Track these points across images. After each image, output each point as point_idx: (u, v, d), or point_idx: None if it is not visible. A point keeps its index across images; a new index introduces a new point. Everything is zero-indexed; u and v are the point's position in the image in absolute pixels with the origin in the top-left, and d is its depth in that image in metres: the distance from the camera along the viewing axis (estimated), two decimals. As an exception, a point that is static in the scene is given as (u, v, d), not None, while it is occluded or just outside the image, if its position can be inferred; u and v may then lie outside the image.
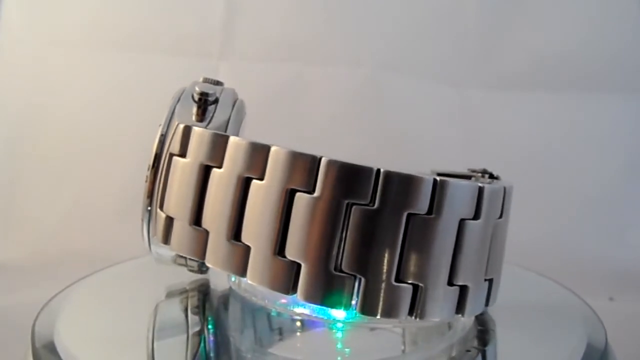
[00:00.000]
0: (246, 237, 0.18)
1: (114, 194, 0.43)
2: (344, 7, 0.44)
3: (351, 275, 0.17)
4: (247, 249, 0.18)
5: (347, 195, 0.17)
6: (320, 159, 0.17)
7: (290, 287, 0.17)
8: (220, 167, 0.18)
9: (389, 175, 0.17)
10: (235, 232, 0.18)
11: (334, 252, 0.17)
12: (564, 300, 0.25)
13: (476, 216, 0.18)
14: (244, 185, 0.18)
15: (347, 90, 0.44)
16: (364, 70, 0.44)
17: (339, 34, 0.44)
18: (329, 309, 0.18)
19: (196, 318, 0.23)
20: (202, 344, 0.22)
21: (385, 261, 0.17)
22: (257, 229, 0.18)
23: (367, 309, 0.17)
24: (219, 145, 0.18)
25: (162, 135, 0.21)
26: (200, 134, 0.19)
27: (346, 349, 0.22)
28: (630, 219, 0.45)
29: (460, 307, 0.18)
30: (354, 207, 0.16)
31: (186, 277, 0.25)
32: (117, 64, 0.43)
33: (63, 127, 0.44)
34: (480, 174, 0.24)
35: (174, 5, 0.43)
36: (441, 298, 0.18)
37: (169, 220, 0.20)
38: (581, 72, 0.46)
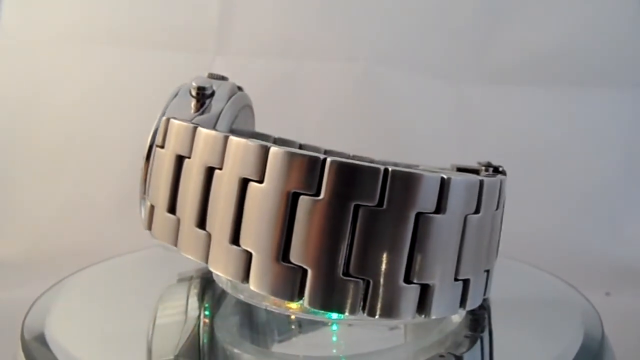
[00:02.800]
0: (209, 225, 0.18)
1: (109, 190, 0.44)
2: (339, 2, 0.43)
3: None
4: (209, 236, 0.18)
5: (292, 184, 0.16)
6: (269, 148, 0.17)
7: (244, 276, 0.17)
8: (189, 157, 0.19)
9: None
10: (201, 220, 0.19)
11: (284, 241, 0.17)
12: (560, 293, 0.25)
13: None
14: (208, 175, 0.18)
15: (343, 85, 0.43)
16: (360, 65, 0.44)
17: (335, 28, 0.44)
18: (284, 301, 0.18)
19: (195, 304, 0.25)
20: (196, 330, 0.23)
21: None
22: (216, 217, 0.18)
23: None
24: (188, 136, 0.19)
25: (156, 128, 0.23)
26: (174, 126, 0.20)
27: (341, 342, 0.22)
28: (627, 214, 0.44)
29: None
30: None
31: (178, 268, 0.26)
32: (112, 60, 0.44)
33: (58, 123, 0.45)
34: (484, 167, 0.23)
35: (170, 0, 0.44)
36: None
37: (152, 208, 0.21)
38: (578, 66, 0.45)
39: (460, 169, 0.26)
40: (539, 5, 0.45)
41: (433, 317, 0.17)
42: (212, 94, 0.23)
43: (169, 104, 0.23)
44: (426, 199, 0.16)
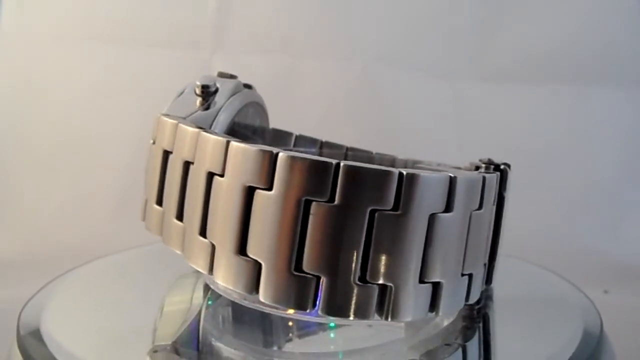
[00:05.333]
0: (185, 216, 0.19)
1: (106, 188, 0.44)
2: (337, 0, 0.43)
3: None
4: (184, 228, 0.19)
5: (247, 178, 0.16)
6: (229, 142, 0.17)
7: (209, 268, 0.18)
8: (172, 152, 0.20)
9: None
10: (179, 212, 0.19)
11: (242, 236, 0.17)
12: (560, 290, 0.25)
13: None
14: (186, 169, 0.19)
15: (340, 82, 0.42)
16: (358, 63, 0.43)
17: (333, 26, 0.43)
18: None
19: (200, 295, 0.25)
20: (197, 319, 0.24)
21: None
22: (189, 209, 0.19)
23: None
24: (171, 131, 0.20)
25: (160, 125, 0.24)
26: (159, 122, 0.21)
27: (339, 339, 0.22)
28: (625, 213, 0.45)
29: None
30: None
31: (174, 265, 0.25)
32: (111, 58, 0.44)
33: (56, 121, 0.45)
34: (484, 165, 0.21)
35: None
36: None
37: (146, 201, 0.22)
38: (576, 65, 0.45)
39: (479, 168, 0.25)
40: (537, 3, 0.44)
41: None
42: (216, 91, 0.24)
43: (172, 102, 0.24)
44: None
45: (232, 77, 0.26)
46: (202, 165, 0.18)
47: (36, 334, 0.20)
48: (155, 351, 0.20)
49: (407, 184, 0.16)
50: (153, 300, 0.24)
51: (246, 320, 0.23)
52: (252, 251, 0.16)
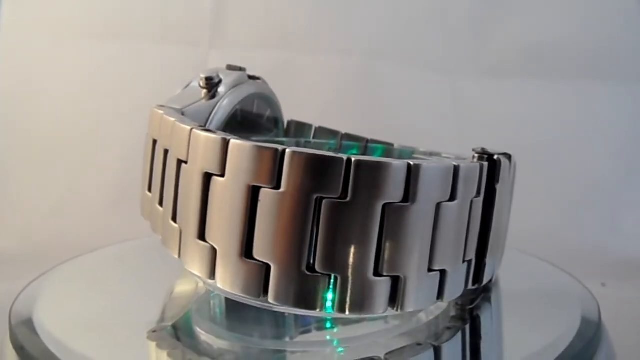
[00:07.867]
0: (163, 203, 0.19)
1: (104, 183, 0.44)
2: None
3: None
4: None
5: (203, 164, 0.16)
6: (192, 129, 0.17)
7: (179, 252, 0.18)
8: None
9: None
10: (160, 198, 0.20)
11: (202, 221, 0.17)
12: (557, 279, 0.26)
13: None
14: (165, 157, 0.20)
15: (338, 78, 0.42)
16: (356, 58, 0.42)
17: (330, 21, 0.42)
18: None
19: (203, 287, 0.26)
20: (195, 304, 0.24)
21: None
22: (166, 196, 0.19)
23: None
24: (158, 122, 0.20)
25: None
26: (152, 113, 0.21)
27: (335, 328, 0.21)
28: (624, 207, 0.45)
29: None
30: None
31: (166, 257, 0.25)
32: (108, 55, 0.44)
33: (53, 116, 0.45)
34: (478, 155, 0.19)
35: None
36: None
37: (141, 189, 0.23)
38: (575, 59, 0.45)
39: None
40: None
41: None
42: (219, 82, 0.25)
43: (178, 94, 0.25)
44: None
45: (241, 69, 0.26)
46: (174, 153, 0.18)
47: (28, 324, 0.20)
48: (154, 331, 0.21)
49: (356, 171, 0.15)
50: (147, 291, 0.24)
51: (242, 309, 0.23)
52: (210, 237, 0.17)
